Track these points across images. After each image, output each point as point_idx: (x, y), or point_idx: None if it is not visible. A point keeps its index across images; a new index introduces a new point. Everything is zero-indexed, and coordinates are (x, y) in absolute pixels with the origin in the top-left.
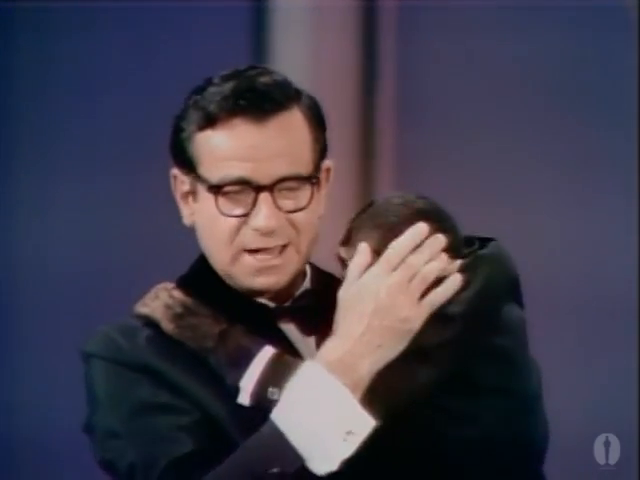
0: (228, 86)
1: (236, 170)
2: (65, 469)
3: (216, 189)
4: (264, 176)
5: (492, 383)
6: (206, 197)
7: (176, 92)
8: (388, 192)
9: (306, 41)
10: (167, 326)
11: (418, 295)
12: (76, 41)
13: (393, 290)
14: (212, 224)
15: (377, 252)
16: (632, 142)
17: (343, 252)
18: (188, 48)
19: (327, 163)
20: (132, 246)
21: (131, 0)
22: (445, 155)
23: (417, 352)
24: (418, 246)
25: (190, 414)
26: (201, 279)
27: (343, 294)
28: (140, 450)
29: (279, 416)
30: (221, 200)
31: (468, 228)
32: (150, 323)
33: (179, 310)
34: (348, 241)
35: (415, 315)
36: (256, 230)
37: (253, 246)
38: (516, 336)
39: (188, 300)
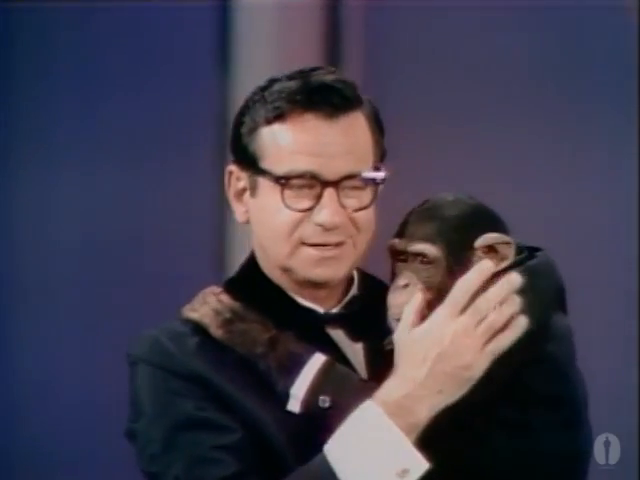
0: (297, 82)
1: (304, 164)
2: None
3: (283, 181)
4: (331, 172)
5: (546, 392)
6: (268, 190)
7: (142, 89)
8: None
9: (271, 40)
10: (216, 332)
11: (483, 342)
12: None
13: (459, 335)
14: (273, 217)
15: (431, 242)
16: (632, 143)
17: (397, 243)
18: (154, 47)
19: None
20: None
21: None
22: (414, 152)
23: None
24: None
25: (235, 431)
26: (249, 283)
27: (403, 334)
28: (185, 467)
29: (331, 451)
30: (286, 193)
31: None
32: (198, 328)
33: (228, 315)
34: (402, 233)
35: (478, 363)
36: (319, 225)
37: (313, 240)
38: (565, 344)
39: (236, 305)
